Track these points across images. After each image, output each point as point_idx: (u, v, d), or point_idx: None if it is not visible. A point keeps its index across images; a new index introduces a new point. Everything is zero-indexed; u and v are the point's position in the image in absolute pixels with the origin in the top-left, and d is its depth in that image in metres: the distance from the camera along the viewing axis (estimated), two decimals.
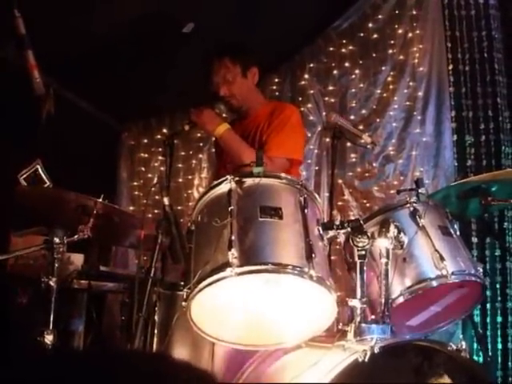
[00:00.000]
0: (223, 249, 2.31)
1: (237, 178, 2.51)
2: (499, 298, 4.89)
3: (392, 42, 5.60)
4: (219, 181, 2.57)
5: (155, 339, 2.96)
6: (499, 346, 4.85)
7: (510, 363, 4.80)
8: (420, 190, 2.92)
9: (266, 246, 2.34)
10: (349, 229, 2.54)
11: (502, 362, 4.82)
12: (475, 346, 4.71)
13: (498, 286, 4.91)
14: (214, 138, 4.03)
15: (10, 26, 3.11)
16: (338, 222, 2.55)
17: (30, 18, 3.16)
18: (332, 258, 3.44)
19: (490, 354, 4.74)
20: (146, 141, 6.61)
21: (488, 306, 4.88)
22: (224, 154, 3.88)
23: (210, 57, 3.91)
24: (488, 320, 4.89)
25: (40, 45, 3.18)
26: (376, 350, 2.21)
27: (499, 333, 4.87)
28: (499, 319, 4.88)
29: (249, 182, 2.51)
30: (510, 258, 4.84)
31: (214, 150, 4.46)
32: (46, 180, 3.83)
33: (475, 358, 4.59)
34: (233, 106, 3.93)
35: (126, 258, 6.02)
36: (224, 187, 2.53)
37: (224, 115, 4.56)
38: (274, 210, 2.42)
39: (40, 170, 3.84)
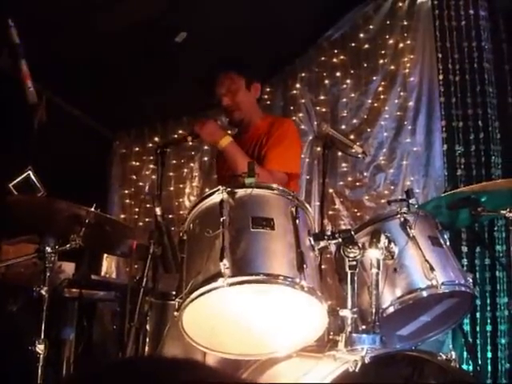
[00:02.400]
0: (215, 259, 2.32)
1: (229, 189, 2.52)
2: (489, 308, 4.91)
3: (383, 52, 5.65)
4: (211, 191, 2.57)
5: (147, 348, 2.96)
6: (489, 354, 4.86)
7: (499, 372, 4.82)
8: (410, 201, 2.93)
9: (258, 257, 2.35)
10: (340, 239, 2.55)
11: (491, 371, 4.83)
12: (465, 355, 4.73)
13: (487, 295, 4.92)
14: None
15: (3, 35, 3.12)
16: (329, 233, 2.56)
17: (24, 28, 3.18)
18: (323, 266, 3.44)
19: (479, 362, 4.76)
20: (137, 149, 6.63)
21: (478, 315, 4.90)
22: (226, 165, 3.89)
23: (216, 69, 3.97)
24: (478, 329, 4.91)
25: (33, 53, 3.19)
26: (366, 360, 2.22)
27: (489, 341, 4.89)
28: (489, 328, 4.90)
29: (241, 192, 2.52)
30: (499, 267, 4.85)
31: (215, 159, 4.45)
32: (40, 188, 3.83)
33: (465, 366, 4.60)
34: (234, 117, 3.97)
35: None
36: (216, 197, 2.54)
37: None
38: (266, 221, 2.43)
39: (33, 178, 3.85)
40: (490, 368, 4.84)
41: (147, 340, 2.96)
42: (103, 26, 4.87)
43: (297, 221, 2.50)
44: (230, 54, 4.11)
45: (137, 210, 6.59)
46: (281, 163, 3.68)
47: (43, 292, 3.14)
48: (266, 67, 5.74)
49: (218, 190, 2.53)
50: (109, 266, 5.29)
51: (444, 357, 2.37)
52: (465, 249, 4.96)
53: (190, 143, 5.18)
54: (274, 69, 5.95)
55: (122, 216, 6.58)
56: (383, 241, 2.61)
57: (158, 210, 2.82)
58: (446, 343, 4.76)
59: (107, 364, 1.09)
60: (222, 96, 3.88)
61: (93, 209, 3.31)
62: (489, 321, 4.91)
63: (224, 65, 3.96)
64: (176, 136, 3.90)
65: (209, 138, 3.70)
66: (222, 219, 2.42)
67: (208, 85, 3.95)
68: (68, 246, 3.26)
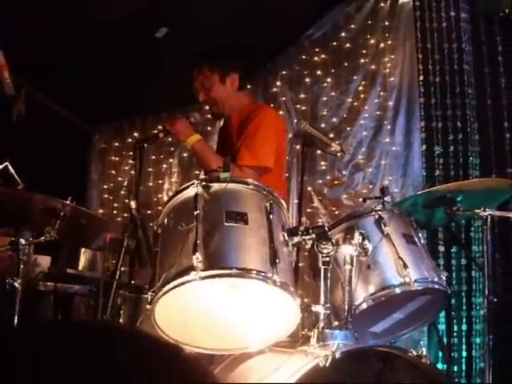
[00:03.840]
0: (188, 253, 2.32)
1: (203, 183, 2.52)
2: (464, 307, 4.96)
3: (364, 51, 5.67)
4: (186, 185, 2.58)
5: None
6: (464, 353, 4.90)
7: (473, 371, 4.85)
8: (385, 198, 2.95)
9: (231, 251, 2.36)
10: (313, 235, 2.55)
11: (466, 370, 4.87)
12: (440, 353, 4.76)
13: (463, 294, 4.97)
14: None
15: None
16: (302, 228, 2.57)
17: (3, 21, 3.16)
18: (300, 264, 3.45)
19: (454, 361, 4.80)
20: (117, 144, 6.61)
21: (453, 314, 4.94)
22: None
23: (189, 65, 3.98)
24: (453, 328, 4.95)
25: (13, 47, 3.17)
26: (337, 355, 2.23)
27: (464, 341, 4.93)
28: (464, 327, 4.94)
29: (215, 186, 2.53)
30: (475, 267, 4.89)
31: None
32: (19, 181, 3.82)
33: (440, 365, 4.64)
34: (213, 111, 4.01)
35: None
36: (190, 191, 2.54)
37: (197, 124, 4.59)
38: (240, 215, 2.43)
39: (11, 170, 3.83)
40: (464, 367, 4.88)
41: None
42: (84, 19, 4.85)
43: (271, 216, 2.50)
44: (210, 48, 4.08)
45: (116, 205, 6.57)
46: (253, 158, 3.66)
47: (16, 284, 3.12)
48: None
49: (193, 183, 2.54)
50: (86, 260, 5.27)
51: (415, 353, 2.38)
52: (441, 248, 5.00)
53: (170, 139, 5.21)
54: (254, 65, 5.94)
55: (101, 211, 6.56)
56: (357, 237, 2.62)
57: (133, 204, 2.81)
58: (422, 341, 4.78)
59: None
60: (197, 92, 3.91)
61: (68, 201, 3.29)
62: (464, 320, 4.95)
63: (195, 61, 3.95)
64: (152, 132, 3.92)
65: (178, 135, 3.72)
66: (195, 213, 2.43)
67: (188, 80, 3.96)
68: (43, 238, 3.24)
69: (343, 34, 5.72)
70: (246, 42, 5.12)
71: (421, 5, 5.45)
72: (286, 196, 4.74)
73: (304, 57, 5.85)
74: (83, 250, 5.26)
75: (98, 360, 1.04)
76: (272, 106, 5.84)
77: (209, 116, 5.49)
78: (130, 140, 6.47)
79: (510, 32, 5.23)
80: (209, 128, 5.90)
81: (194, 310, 2.54)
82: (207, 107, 4.02)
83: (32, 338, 1.07)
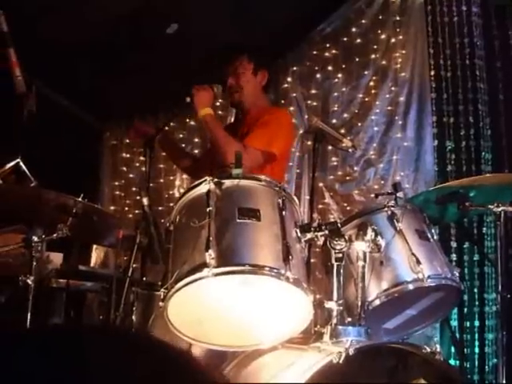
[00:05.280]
0: (201, 249, 2.32)
1: (216, 179, 2.53)
2: (477, 303, 4.93)
3: (375, 46, 5.64)
4: (198, 182, 2.58)
5: None
6: (476, 350, 4.89)
7: (486, 367, 4.84)
8: (398, 194, 2.94)
9: (244, 247, 2.36)
10: (326, 231, 2.55)
11: (479, 366, 4.86)
12: (453, 349, 4.75)
13: (475, 290, 4.95)
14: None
15: None
16: (315, 225, 2.57)
17: (14, 16, 3.16)
18: (312, 260, 3.45)
19: (467, 358, 4.78)
20: (128, 141, 6.59)
21: (466, 310, 4.92)
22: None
23: (228, 50, 4.03)
24: (466, 324, 4.93)
25: (23, 43, 3.18)
26: (351, 352, 2.22)
27: (476, 337, 4.91)
28: (477, 323, 4.92)
29: (227, 183, 2.53)
30: (488, 262, 4.87)
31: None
32: (31, 178, 3.82)
33: (452, 361, 4.62)
34: (234, 98, 3.99)
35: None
36: (203, 188, 2.54)
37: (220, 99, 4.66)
38: (252, 212, 2.43)
39: (23, 167, 3.84)
40: (477, 363, 4.86)
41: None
42: (94, 15, 4.85)
43: (283, 212, 2.50)
44: (220, 46, 4.13)
45: (127, 201, 6.58)
46: (260, 141, 3.64)
47: (29, 281, 3.13)
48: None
49: (205, 180, 2.54)
50: (98, 256, 5.28)
51: (428, 349, 2.37)
52: (454, 244, 4.97)
53: (181, 136, 5.23)
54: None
55: (113, 208, 6.56)
56: (370, 233, 2.62)
57: (145, 201, 2.81)
58: (434, 338, 4.76)
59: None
60: (228, 75, 3.92)
61: (80, 199, 3.30)
62: (477, 316, 4.93)
63: (238, 46, 4.03)
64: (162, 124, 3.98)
65: (196, 103, 3.70)
66: (208, 209, 2.43)
67: (217, 63, 4.02)
68: (55, 235, 3.24)
69: (354, 30, 5.69)
70: (257, 38, 5.12)
71: None
72: None
73: (315, 52, 5.83)
74: (95, 246, 5.27)
75: (119, 369, 1.03)
76: (283, 101, 5.84)
77: (221, 101, 5.60)
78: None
79: None
80: (220, 112, 5.87)
81: (206, 306, 2.54)
82: (229, 93, 4.00)
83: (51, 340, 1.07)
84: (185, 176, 6.22)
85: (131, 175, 6.59)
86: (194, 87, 3.72)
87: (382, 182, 5.46)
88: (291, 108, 5.75)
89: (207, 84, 3.78)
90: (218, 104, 5.63)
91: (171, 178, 6.36)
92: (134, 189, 6.49)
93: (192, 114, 5.40)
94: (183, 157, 4.41)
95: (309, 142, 5.42)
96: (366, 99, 5.62)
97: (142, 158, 6.29)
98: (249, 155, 3.42)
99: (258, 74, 3.98)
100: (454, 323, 4.82)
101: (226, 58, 3.97)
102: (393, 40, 5.59)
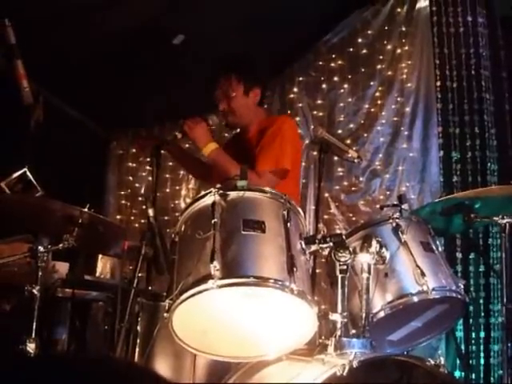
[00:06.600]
0: (205, 261, 2.33)
1: (221, 191, 2.53)
2: (482, 314, 4.92)
3: (381, 57, 5.65)
4: (204, 193, 2.59)
5: (137, 349, 2.96)
6: (482, 361, 4.87)
7: (492, 378, 4.82)
8: (403, 206, 2.94)
9: (248, 259, 2.36)
10: (331, 243, 2.55)
11: (484, 378, 4.84)
12: (458, 360, 4.73)
13: (481, 301, 4.93)
14: None
15: None
16: (320, 237, 2.57)
17: (21, 28, 3.19)
18: (317, 271, 3.45)
19: (472, 369, 4.77)
20: (134, 150, 6.61)
21: (471, 321, 4.90)
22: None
23: (217, 69, 3.96)
24: (471, 335, 4.91)
25: (30, 53, 3.20)
26: (355, 364, 2.22)
27: (482, 348, 4.89)
28: (482, 334, 4.91)
29: (233, 195, 2.53)
30: (493, 274, 4.86)
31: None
32: (38, 187, 3.84)
33: (458, 373, 4.61)
34: (229, 121, 3.95)
35: None
36: (208, 199, 2.55)
37: (214, 127, 4.59)
38: (257, 224, 2.44)
39: (30, 177, 3.85)
40: (482, 375, 4.84)
41: (138, 341, 2.96)
42: (102, 26, 4.88)
43: (288, 224, 2.51)
44: (237, 57, 4.05)
45: (133, 211, 6.59)
46: (270, 162, 3.65)
47: (35, 291, 3.14)
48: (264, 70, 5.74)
49: (211, 192, 2.54)
50: (103, 266, 5.28)
51: (433, 362, 2.37)
52: (459, 255, 4.96)
53: (187, 145, 5.23)
54: (271, 72, 5.93)
55: (118, 217, 6.57)
56: (374, 245, 2.62)
57: (150, 212, 2.82)
58: (440, 349, 4.76)
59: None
60: (218, 100, 3.88)
61: (86, 209, 3.31)
62: (482, 327, 4.91)
63: (225, 67, 3.92)
64: (171, 135, 3.92)
65: (195, 140, 3.70)
66: (213, 221, 2.44)
67: (211, 84, 3.95)
68: (61, 245, 3.26)
69: (360, 40, 5.71)
70: (263, 48, 5.12)
71: (438, 10, 5.42)
72: (299, 203, 4.73)
73: (321, 63, 5.84)
74: (101, 256, 5.28)
75: None
76: (289, 112, 5.85)
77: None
78: None
79: None
80: (226, 134, 5.89)
81: (211, 317, 2.54)
82: (223, 117, 3.97)
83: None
84: (191, 186, 6.25)
85: (137, 185, 6.61)
86: (186, 123, 3.68)
87: (388, 192, 5.46)
88: (297, 118, 5.76)
89: (200, 116, 3.74)
90: None
91: (177, 187, 6.37)
92: (139, 198, 6.51)
93: None
94: (195, 164, 4.36)
95: (314, 153, 5.43)
96: (372, 110, 5.64)
97: (148, 168, 6.32)
98: (265, 180, 3.46)
99: (250, 94, 3.90)
100: (460, 334, 4.80)
101: (214, 82, 3.91)
102: (399, 51, 5.61)
